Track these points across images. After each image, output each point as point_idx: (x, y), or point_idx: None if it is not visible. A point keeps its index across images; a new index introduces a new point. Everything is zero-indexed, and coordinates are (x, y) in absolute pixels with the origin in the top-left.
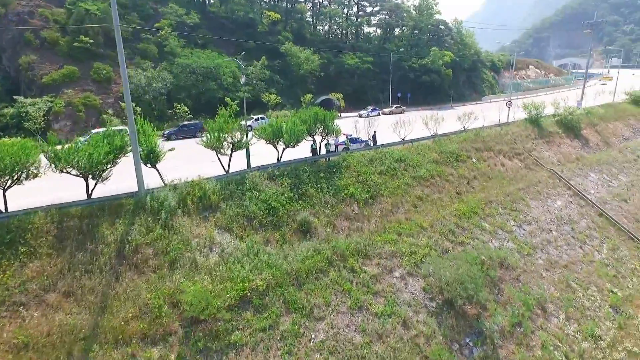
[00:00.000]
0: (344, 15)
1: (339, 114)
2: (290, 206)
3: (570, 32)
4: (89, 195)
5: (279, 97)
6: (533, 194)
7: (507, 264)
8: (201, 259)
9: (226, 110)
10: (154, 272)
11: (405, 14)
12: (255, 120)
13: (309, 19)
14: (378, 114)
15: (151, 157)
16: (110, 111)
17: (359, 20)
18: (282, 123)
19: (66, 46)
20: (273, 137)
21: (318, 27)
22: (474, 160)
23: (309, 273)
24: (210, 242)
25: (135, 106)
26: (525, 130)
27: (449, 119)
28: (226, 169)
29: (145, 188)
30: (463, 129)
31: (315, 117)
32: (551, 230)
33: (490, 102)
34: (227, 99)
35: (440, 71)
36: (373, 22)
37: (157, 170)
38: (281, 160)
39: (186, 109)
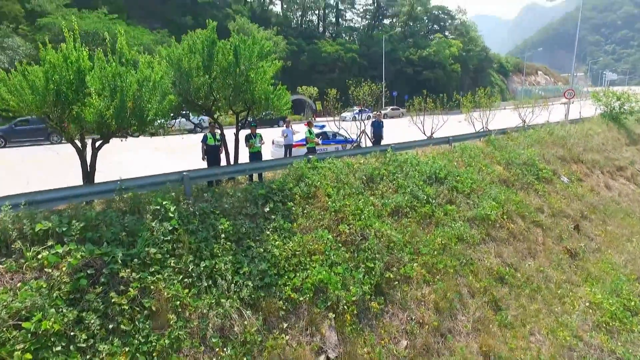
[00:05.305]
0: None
1: (313, 117)
2: None
3: (553, 52)
4: None
5: None
6: None
7: None
8: None
9: None
10: None
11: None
12: None
13: (277, 2)
14: (368, 118)
15: None
16: None
17: (340, 6)
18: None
19: None
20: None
21: (288, 14)
22: (564, 179)
23: None
24: None
25: None
26: (609, 130)
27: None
28: None
29: None
30: (522, 124)
31: (210, 46)
32: None
33: (505, 109)
34: None
35: (445, 66)
36: (357, 4)
37: None
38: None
39: None
